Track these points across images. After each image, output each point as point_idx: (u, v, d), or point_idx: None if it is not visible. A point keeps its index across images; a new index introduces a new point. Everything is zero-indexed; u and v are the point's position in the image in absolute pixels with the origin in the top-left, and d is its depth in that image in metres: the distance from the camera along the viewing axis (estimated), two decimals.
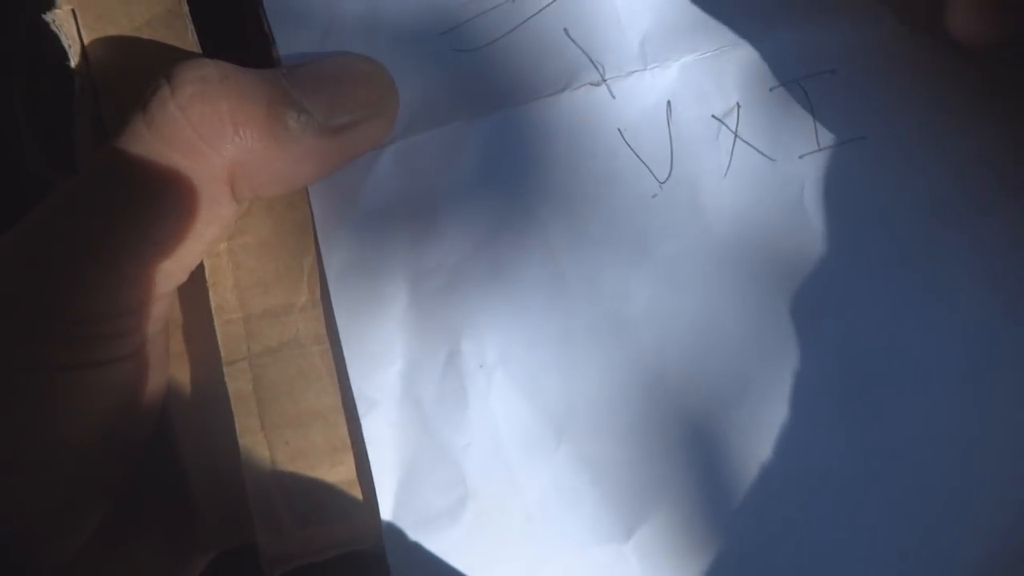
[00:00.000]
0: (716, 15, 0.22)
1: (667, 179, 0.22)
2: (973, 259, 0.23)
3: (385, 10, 0.22)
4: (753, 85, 0.22)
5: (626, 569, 0.22)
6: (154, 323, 0.21)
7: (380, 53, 0.22)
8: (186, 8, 0.22)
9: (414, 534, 0.22)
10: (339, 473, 0.22)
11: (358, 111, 0.21)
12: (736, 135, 0.22)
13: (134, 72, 0.22)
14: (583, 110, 0.22)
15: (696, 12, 0.22)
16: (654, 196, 0.22)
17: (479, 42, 0.22)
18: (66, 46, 0.22)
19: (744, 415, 0.22)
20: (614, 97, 0.22)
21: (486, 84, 0.22)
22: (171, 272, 0.21)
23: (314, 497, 0.22)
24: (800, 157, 0.22)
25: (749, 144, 0.22)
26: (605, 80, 0.22)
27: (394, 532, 0.22)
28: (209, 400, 0.22)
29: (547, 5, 0.22)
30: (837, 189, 0.22)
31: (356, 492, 0.22)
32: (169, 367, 0.23)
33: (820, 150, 0.22)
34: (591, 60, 0.22)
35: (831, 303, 0.22)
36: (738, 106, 0.22)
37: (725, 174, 0.22)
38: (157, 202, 0.20)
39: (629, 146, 0.22)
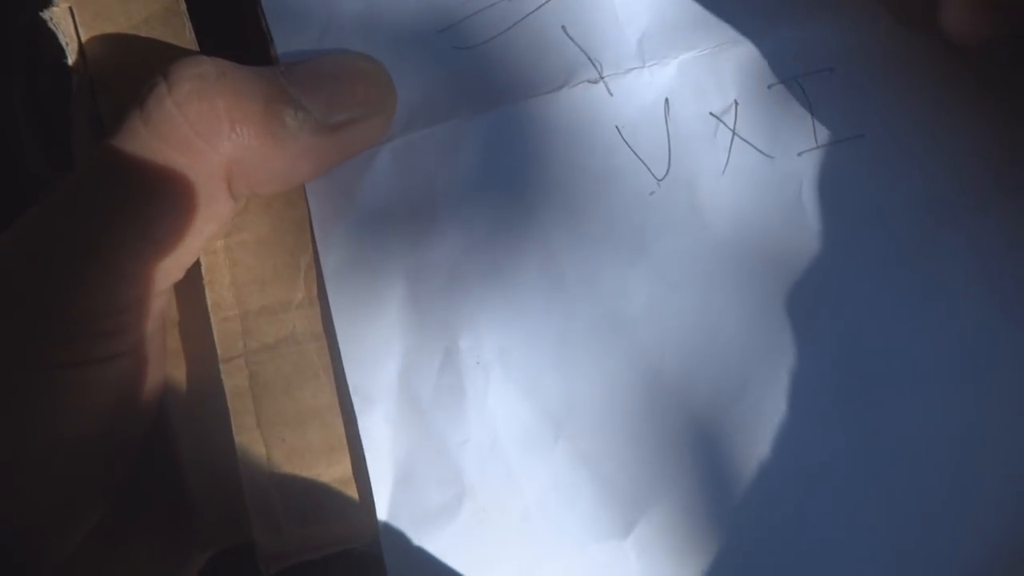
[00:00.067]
0: (714, 13, 0.22)
1: (665, 177, 0.22)
2: (970, 258, 0.23)
3: (383, 8, 0.22)
4: (751, 83, 0.22)
5: (625, 565, 0.22)
6: (152, 320, 0.21)
7: (378, 51, 0.22)
8: (184, 6, 0.22)
9: (411, 531, 0.22)
10: (336, 471, 0.22)
11: (356, 109, 0.21)
12: (734, 133, 0.22)
13: (132, 70, 0.22)
14: (581, 107, 0.22)
15: (694, 10, 0.22)
16: (652, 194, 0.22)
17: (477, 39, 0.22)
18: (63, 44, 0.22)
19: (742, 412, 0.22)
20: (612, 95, 0.22)
21: (484, 81, 0.22)
22: (168, 269, 0.21)
23: (311, 495, 0.22)
24: (798, 155, 0.22)
25: (747, 142, 0.22)
26: (603, 77, 0.22)
27: (391, 530, 0.22)
28: (206, 398, 0.22)
29: (545, 2, 0.22)
30: (835, 187, 0.22)
31: (353, 490, 0.22)
32: (166, 364, 0.23)
33: (818, 148, 0.22)
34: (589, 57, 0.22)
35: (828, 301, 0.22)
36: (736, 104, 0.22)
37: (723, 172, 0.22)
38: (154, 199, 0.20)
39: (627, 143, 0.22)
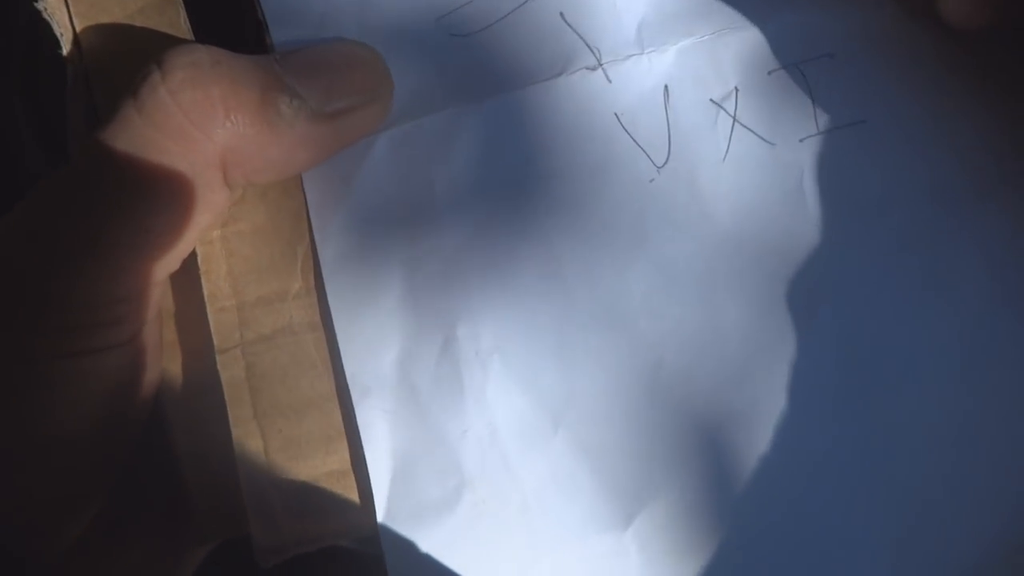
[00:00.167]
0: None
1: (664, 164, 0.22)
2: (972, 247, 0.22)
3: None
4: (751, 69, 0.22)
5: (625, 558, 0.22)
6: (150, 310, 0.21)
7: (375, 39, 0.22)
8: None
9: (410, 523, 0.21)
10: (333, 462, 0.22)
11: (352, 97, 0.21)
12: (734, 119, 0.22)
13: (127, 59, 0.22)
14: (579, 95, 0.22)
15: None
16: (651, 181, 0.22)
17: (474, 27, 0.22)
18: (58, 35, 0.22)
19: (741, 402, 0.22)
20: (610, 82, 0.22)
21: (481, 69, 0.22)
22: (165, 259, 0.20)
23: (308, 487, 0.22)
24: (800, 141, 0.22)
25: (748, 128, 0.22)
26: (601, 64, 0.22)
27: (389, 522, 0.21)
28: (202, 389, 0.22)
29: None
30: (836, 173, 0.22)
31: (351, 481, 0.22)
32: (163, 355, 0.22)
33: (819, 134, 0.22)
34: (587, 44, 0.22)
35: (829, 290, 0.22)
36: (736, 90, 0.22)
37: (723, 159, 0.22)
38: (149, 188, 0.20)
39: (626, 131, 0.22)
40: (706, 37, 0.22)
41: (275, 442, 0.22)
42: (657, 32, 0.22)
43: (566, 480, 0.22)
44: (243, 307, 0.22)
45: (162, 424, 0.23)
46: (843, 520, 0.22)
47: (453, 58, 0.22)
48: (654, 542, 0.22)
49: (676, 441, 0.22)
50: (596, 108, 0.22)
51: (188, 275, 0.22)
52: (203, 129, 0.20)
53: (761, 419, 0.22)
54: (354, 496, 0.22)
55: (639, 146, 0.22)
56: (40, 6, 0.22)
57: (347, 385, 0.22)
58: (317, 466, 0.22)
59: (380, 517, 0.21)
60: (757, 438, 0.22)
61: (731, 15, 0.22)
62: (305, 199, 0.22)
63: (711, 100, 0.22)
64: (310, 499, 0.22)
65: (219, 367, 0.22)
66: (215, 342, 0.22)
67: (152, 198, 0.20)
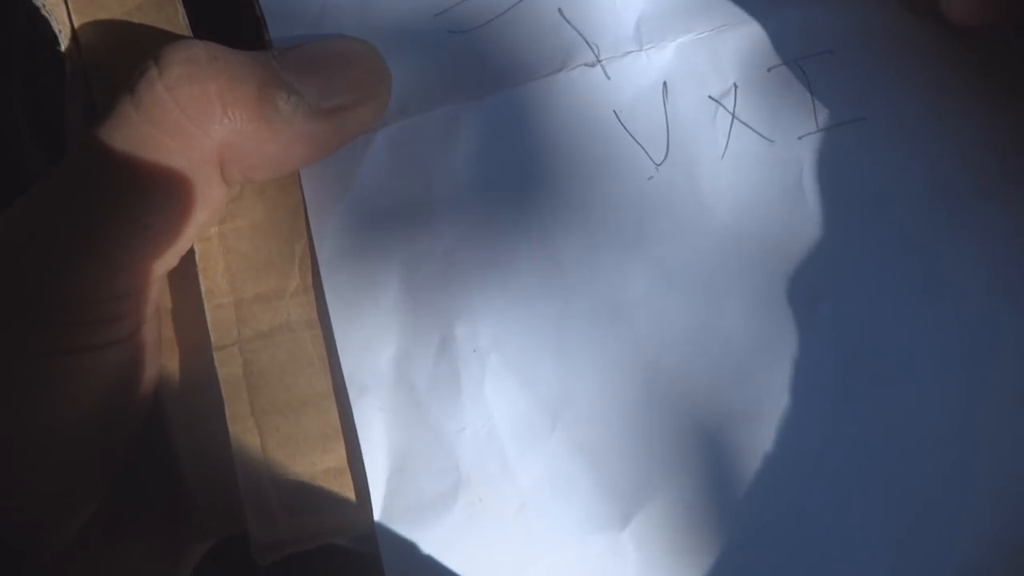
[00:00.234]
0: None
1: (663, 161, 0.22)
2: (974, 245, 0.22)
3: None
4: (750, 65, 0.22)
5: (622, 557, 0.22)
6: (149, 306, 0.21)
7: (373, 36, 0.22)
8: None
9: (407, 521, 0.21)
10: (331, 460, 0.22)
11: (350, 93, 0.21)
12: (733, 116, 0.22)
13: (125, 56, 0.22)
14: (578, 91, 0.22)
15: None
16: (650, 178, 0.22)
17: (473, 23, 0.22)
18: (56, 31, 0.22)
19: (741, 400, 0.22)
20: (609, 78, 0.22)
21: (480, 66, 0.22)
22: (163, 256, 0.20)
23: (305, 484, 0.22)
24: (799, 138, 0.22)
25: (747, 125, 0.22)
26: (600, 61, 0.22)
27: (386, 520, 0.21)
28: (200, 386, 0.22)
29: None
30: (836, 170, 0.22)
31: (348, 479, 0.22)
32: (161, 352, 0.22)
33: (819, 131, 0.22)
34: (586, 41, 0.22)
35: (829, 288, 0.22)
36: (735, 87, 0.22)
37: (722, 156, 0.22)
38: (146, 185, 0.20)
39: (625, 128, 0.22)
40: (705, 33, 0.22)
41: (272, 439, 0.22)
42: (656, 28, 0.22)
43: (563, 479, 0.22)
44: (241, 304, 0.22)
45: (161, 421, 0.23)
46: (842, 520, 0.22)
47: (451, 55, 0.22)
48: (652, 541, 0.22)
49: (674, 440, 0.22)
50: (595, 105, 0.22)
51: (186, 272, 0.22)
52: (200, 125, 0.20)
53: (760, 417, 0.22)
54: (351, 494, 0.22)
55: (638, 143, 0.22)
56: (38, 2, 0.22)
57: (344, 383, 0.22)
58: (314, 464, 0.22)
59: (377, 515, 0.21)
60: (756, 436, 0.22)
61: (730, 11, 0.22)
62: (303, 196, 0.22)
63: (710, 97, 0.22)
64: (307, 496, 0.22)
65: (216, 364, 0.22)
66: (212, 339, 0.22)
67: (150, 195, 0.20)
